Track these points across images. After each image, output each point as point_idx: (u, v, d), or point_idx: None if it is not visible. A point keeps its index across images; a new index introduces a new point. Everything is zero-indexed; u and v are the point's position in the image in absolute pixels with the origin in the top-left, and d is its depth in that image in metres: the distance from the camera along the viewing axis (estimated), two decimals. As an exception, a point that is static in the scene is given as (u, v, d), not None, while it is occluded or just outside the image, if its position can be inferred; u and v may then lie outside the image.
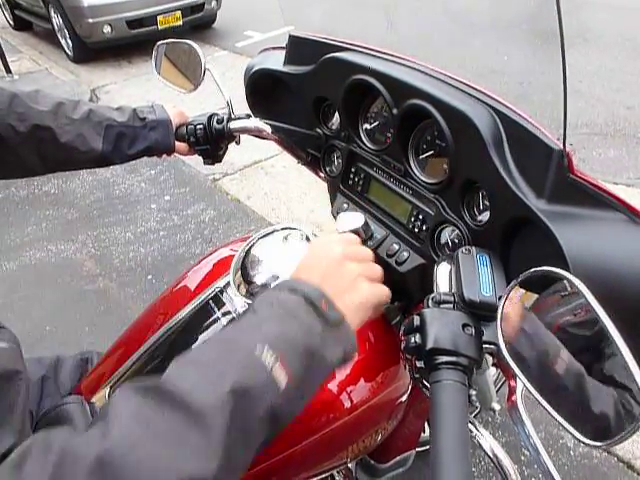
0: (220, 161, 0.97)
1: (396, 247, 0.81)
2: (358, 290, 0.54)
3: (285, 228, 0.79)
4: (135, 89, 5.12)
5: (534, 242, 0.62)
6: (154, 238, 2.85)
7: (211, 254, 0.96)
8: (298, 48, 0.91)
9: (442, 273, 0.62)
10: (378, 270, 0.59)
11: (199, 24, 6.39)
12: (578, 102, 3.83)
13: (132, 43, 5.88)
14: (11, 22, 7.46)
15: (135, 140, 0.84)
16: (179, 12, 5.77)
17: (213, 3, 6.22)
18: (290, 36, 0.92)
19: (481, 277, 0.57)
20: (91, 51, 5.78)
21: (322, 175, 0.99)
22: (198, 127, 0.90)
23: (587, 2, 5.96)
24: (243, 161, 3.53)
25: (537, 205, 0.59)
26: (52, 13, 5.81)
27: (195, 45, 0.93)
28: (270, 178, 3.43)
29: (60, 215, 3.09)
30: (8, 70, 5.12)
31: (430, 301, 0.57)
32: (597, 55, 4.75)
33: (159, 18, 5.64)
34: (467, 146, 0.67)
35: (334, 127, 0.94)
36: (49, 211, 3.13)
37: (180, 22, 5.84)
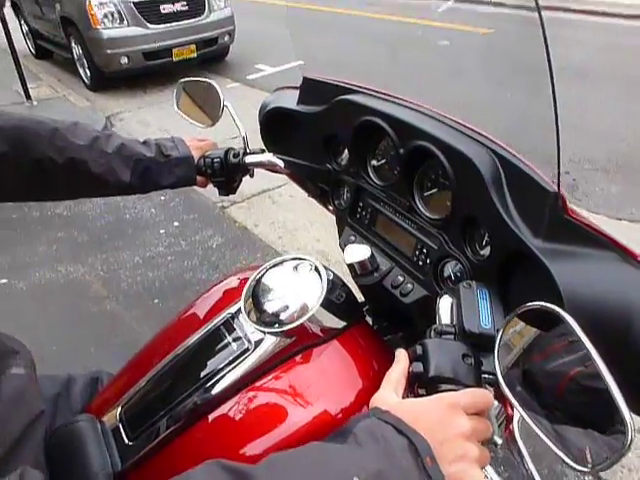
0: (234, 192, 1.02)
1: (401, 279, 0.85)
2: (466, 457, 0.50)
3: (295, 258, 0.82)
4: (148, 117, 5.27)
5: (532, 277, 0.65)
6: (162, 263, 2.89)
7: (221, 282, 1.00)
8: (311, 89, 0.97)
9: (444, 306, 0.65)
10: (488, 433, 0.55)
11: (212, 57, 6.59)
12: (580, 138, 3.90)
13: (147, 73, 6.08)
14: (33, 51, 7.75)
15: (160, 175, 0.90)
16: (193, 45, 5.98)
17: (226, 37, 6.44)
18: (304, 78, 0.98)
19: (481, 310, 0.60)
20: (107, 80, 5.97)
21: (331, 208, 1.03)
22: (215, 160, 0.95)
23: (580, 41, 6.16)
24: (251, 190, 3.60)
25: (534, 243, 0.63)
26: (73, 44, 6.03)
27: (215, 83, 0.99)
28: (277, 207, 3.49)
29: (71, 237, 3.14)
30: (28, 96, 5.28)
31: (432, 332, 0.60)
32: (597, 91, 4.87)
33: (174, 50, 5.84)
34: (469, 185, 0.71)
35: (343, 163, 0.99)
36: (60, 233, 3.19)
37: (194, 54, 6.04)
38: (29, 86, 5.34)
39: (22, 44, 7.37)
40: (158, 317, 2.46)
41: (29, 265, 2.87)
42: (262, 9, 13.15)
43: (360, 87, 0.91)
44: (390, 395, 0.54)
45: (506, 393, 0.54)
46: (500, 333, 0.57)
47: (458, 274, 0.78)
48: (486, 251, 0.74)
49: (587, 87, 4.90)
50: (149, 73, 6.11)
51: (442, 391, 0.54)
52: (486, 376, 0.58)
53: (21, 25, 7.73)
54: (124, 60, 5.64)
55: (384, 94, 0.88)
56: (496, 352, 0.56)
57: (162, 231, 3.19)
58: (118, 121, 5.18)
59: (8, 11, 6.80)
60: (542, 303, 0.52)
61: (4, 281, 2.75)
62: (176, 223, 3.26)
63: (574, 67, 5.10)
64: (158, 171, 0.89)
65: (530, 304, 0.53)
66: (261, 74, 6.62)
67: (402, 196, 0.85)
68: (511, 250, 0.66)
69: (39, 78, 6.38)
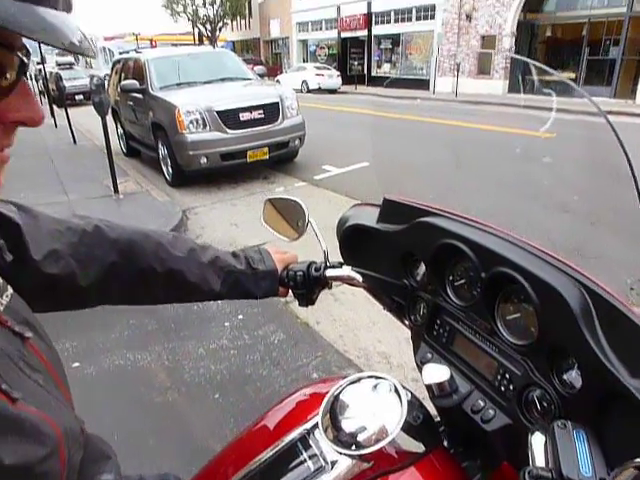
0: (313, 304, 1.06)
1: (481, 404, 0.82)
2: None
3: (372, 376, 0.83)
4: (221, 212, 5.62)
5: (631, 420, 0.62)
6: (224, 356, 2.93)
7: (293, 394, 1.01)
8: (391, 209, 1.03)
9: (537, 445, 0.63)
10: None
11: (283, 158, 7.08)
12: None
13: (222, 172, 6.59)
14: (124, 150, 8.71)
15: (248, 286, 0.96)
16: (266, 148, 6.48)
17: (297, 141, 6.94)
18: (384, 199, 1.04)
19: (579, 455, 0.58)
20: (186, 177, 6.52)
21: (407, 323, 1.04)
22: (298, 274, 1.01)
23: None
24: (314, 286, 3.66)
25: (633, 384, 0.60)
26: (160, 145, 6.71)
27: (301, 202, 1.08)
28: (339, 305, 3.51)
29: (142, 325, 3.28)
30: (116, 190, 5.84)
31: (527, 475, 0.57)
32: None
33: (249, 152, 6.35)
34: (556, 315, 0.71)
35: (420, 278, 1.01)
36: (132, 320, 3.34)
37: (267, 156, 6.53)
38: (118, 181, 5.92)
39: (116, 144, 8.28)
40: (218, 413, 2.45)
41: (101, 350, 3.00)
42: (329, 115, 14.18)
43: (439, 210, 0.96)
44: None
45: None
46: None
47: (545, 404, 0.75)
48: (576, 382, 0.71)
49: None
50: (224, 172, 6.63)
51: None
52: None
53: (117, 128, 8.77)
54: (203, 160, 6.18)
55: (463, 217, 0.92)
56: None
57: (227, 324, 3.27)
58: (193, 215, 5.56)
59: (108, 117, 7.77)
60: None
61: (76, 365, 2.87)
62: (240, 316, 3.34)
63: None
64: (246, 283, 0.96)
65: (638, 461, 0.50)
66: (327, 174, 7.00)
67: (483, 318, 0.85)
68: (606, 389, 0.64)
69: (127, 174, 7.07)
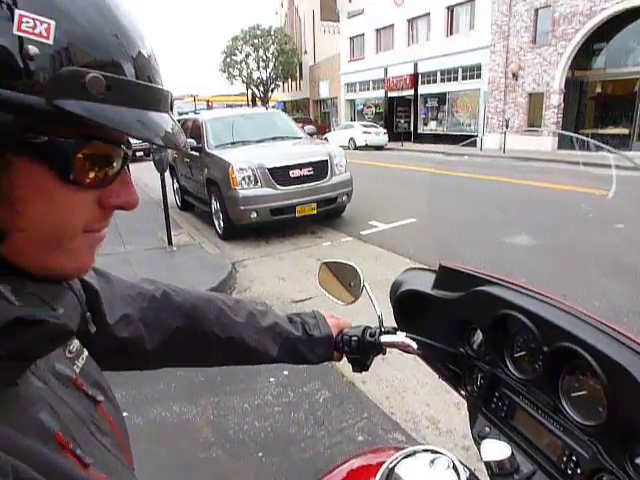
0: (367, 370, 1.05)
1: (546, 486, 0.78)
2: None
3: (428, 450, 0.80)
4: (269, 266, 5.73)
5: None
6: (269, 413, 2.90)
7: (343, 464, 0.99)
8: (447, 276, 1.03)
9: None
10: None
11: (330, 213, 7.21)
12: None
13: (272, 226, 6.77)
14: (179, 204, 9.13)
15: (303, 351, 0.98)
16: (315, 204, 6.64)
17: (344, 197, 7.07)
18: (440, 265, 1.05)
19: None
20: (237, 231, 6.73)
21: (462, 392, 1.01)
22: (353, 339, 1.01)
23: None
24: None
25: None
26: (212, 200, 7.01)
27: (356, 266, 1.10)
28: (386, 364, 3.43)
29: (189, 377, 3.31)
30: (170, 242, 6.08)
31: None
32: None
33: (297, 208, 6.52)
34: (627, 395, 0.68)
35: (477, 347, 1.00)
36: (180, 372, 3.38)
37: (315, 212, 6.67)
38: (172, 233, 6.18)
39: (171, 198, 8.71)
40: (261, 473, 2.40)
41: (149, 401, 3.04)
42: (376, 171, 14.42)
43: (497, 278, 0.95)
44: None
45: None
46: None
47: (618, 493, 0.70)
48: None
49: None
50: (273, 226, 6.80)
51: None
52: None
53: (173, 183, 9.24)
54: (254, 215, 6.38)
55: (522, 287, 0.91)
56: None
57: (272, 379, 3.25)
58: (242, 268, 5.69)
59: (166, 172, 8.23)
60: None
61: (125, 414, 2.90)
62: (286, 372, 3.32)
63: None
64: (302, 349, 0.98)
65: None
66: (374, 230, 7.04)
67: (545, 394, 0.82)
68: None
69: (180, 227, 7.37)
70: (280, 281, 5.23)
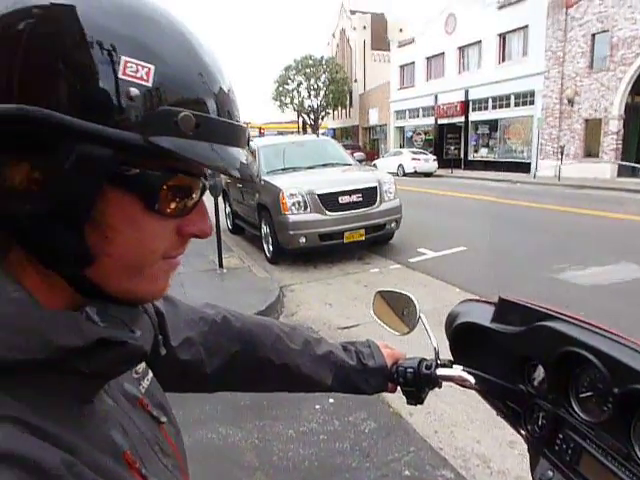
0: (422, 403, 1.02)
1: (618, 540, 0.73)
2: None
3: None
4: (316, 291, 5.74)
5: None
6: (314, 441, 2.87)
7: None
8: (507, 309, 1.00)
9: None
10: None
11: (379, 240, 7.18)
12: None
13: (320, 251, 6.81)
14: (230, 227, 9.39)
15: (357, 382, 0.97)
16: (363, 230, 6.64)
17: (393, 224, 7.04)
18: (500, 298, 1.02)
19: None
20: (285, 255, 6.81)
21: (522, 432, 0.97)
22: (409, 371, 0.99)
23: None
24: (408, 374, 3.53)
25: None
26: (263, 224, 7.15)
27: (412, 296, 1.08)
28: (434, 397, 3.30)
29: (235, 399, 3.33)
30: (221, 265, 6.23)
31: None
32: None
33: (346, 234, 6.54)
34: None
35: (538, 385, 0.95)
36: (226, 394, 3.41)
37: (363, 238, 6.67)
38: (223, 256, 6.33)
39: (223, 222, 8.95)
40: (305, 503, 2.37)
41: (195, 422, 3.07)
42: (425, 198, 14.30)
43: (560, 313, 0.91)
44: None
45: None
46: None
47: None
48: None
49: None
50: (321, 252, 6.85)
51: None
52: None
53: (225, 207, 9.51)
54: (302, 240, 6.45)
55: (587, 323, 0.87)
56: None
57: (317, 406, 3.22)
58: (289, 292, 5.73)
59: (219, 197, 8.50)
60: None
61: (173, 434, 2.96)
62: (331, 400, 3.28)
63: None
64: (356, 378, 0.97)
65: None
66: (423, 257, 6.94)
67: (616, 439, 0.77)
68: None
69: (231, 250, 7.53)
70: (327, 307, 5.22)
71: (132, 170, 0.40)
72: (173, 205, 0.44)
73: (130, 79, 0.38)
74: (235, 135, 0.46)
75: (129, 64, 0.38)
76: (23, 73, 0.36)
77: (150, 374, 0.62)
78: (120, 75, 0.38)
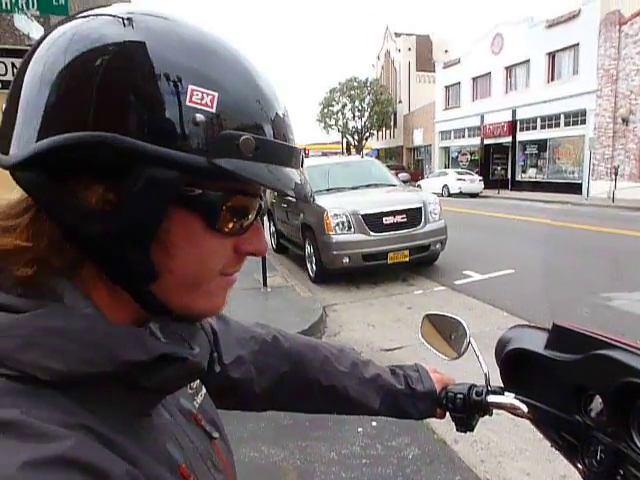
0: (472, 430, 1.00)
1: None
2: None
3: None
4: (359, 312, 5.71)
5: None
6: (356, 465, 2.82)
7: None
8: (561, 336, 0.97)
9: None
10: None
11: (423, 261, 7.09)
12: None
13: (363, 272, 6.79)
14: (274, 246, 9.52)
15: (405, 406, 0.96)
16: (407, 251, 6.59)
17: (438, 245, 6.94)
18: (554, 325, 0.99)
19: None
20: (328, 275, 6.83)
21: (579, 466, 0.93)
22: (458, 396, 0.97)
23: None
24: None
25: None
26: (306, 244, 7.21)
27: (462, 321, 1.07)
28: (480, 424, 3.20)
29: (277, 418, 3.34)
30: (265, 283, 6.31)
31: None
32: None
33: (389, 254, 6.50)
34: None
35: (596, 416, 0.92)
36: (268, 413, 3.42)
37: (407, 259, 6.60)
38: (267, 275, 6.41)
39: (267, 240, 9.09)
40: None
41: (238, 440, 3.09)
42: (471, 219, 14.04)
43: (619, 342, 0.88)
44: None
45: None
46: None
47: None
48: None
49: None
50: (364, 272, 6.82)
51: None
52: None
53: (270, 226, 9.67)
54: (346, 260, 6.46)
55: (649, 354, 0.83)
56: None
57: (360, 429, 3.18)
58: (332, 312, 5.72)
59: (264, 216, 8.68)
60: None
61: (216, 451, 2.99)
62: (374, 423, 3.23)
63: None
64: (404, 402, 0.95)
65: None
66: (468, 280, 6.79)
67: (683, 478, 0.73)
68: None
69: (275, 269, 7.62)
70: (370, 328, 5.18)
71: (195, 191, 0.43)
72: (231, 224, 0.47)
73: (196, 106, 0.41)
74: (290, 157, 0.48)
75: (195, 92, 0.41)
76: (98, 104, 0.40)
77: (204, 390, 0.64)
78: (187, 102, 0.41)
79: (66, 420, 0.38)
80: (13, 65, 3.91)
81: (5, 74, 3.91)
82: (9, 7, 3.92)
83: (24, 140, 0.42)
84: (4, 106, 0.45)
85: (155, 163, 0.40)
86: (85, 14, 0.44)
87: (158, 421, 0.50)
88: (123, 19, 0.42)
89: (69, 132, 0.39)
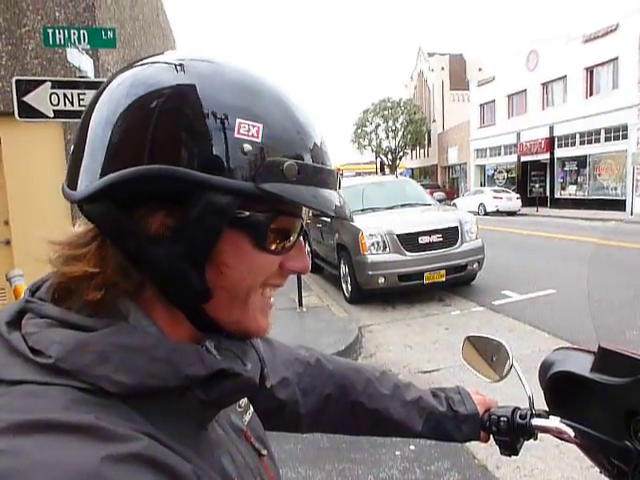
0: (517, 454, 0.99)
1: None
2: None
3: None
4: (395, 332, 5.65)
5: None
6: (394, 489, 2.78)
7: None
8: (608, 359, 0.95)
9: None
10: None
11: (460, 281, 6.97)
12: None
13: (398, 292, 6.73)
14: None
15: (448, 429, 0.95)
16: (444, 271, 6.50)
17: (475, 265, 6.83)
18: (600, 347, 0.98)
19: None
20: (364, 295, 6.80)
21: (631, 494, 0.90)
22: (502, 419, 0.97)
23: None
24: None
25: None
26: (341, 264, 7.22)
27: (505, 343, 1.06)
28: (525, 450, 3.09)
29: (315, 440, 3.33)
30: (300, 303, 6.34)
31: None
32: None
33: (425, 274, 6.43)
34: None
35: (647, 443, 0.89)
36: (306, 434, 3.42)
37: (443, 279, 6.51)
38: (302, 295, 6.44)
39: (303, 261, 9.15)
40: None
41: (276, 461, 3.10)
42: (508, 238, 13.74)
43: (669, 366, 0.86)
44: None
45: None
46: None
47: None
48: None
49: None
50: (400, 292, 6.76)
51: None
52: None
53: (305, 246, 9.72)
54: (381, 280, 6.43)
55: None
56: None
57: (398, 453, 3.13)
58: (368, 332, 5.69)
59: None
60: None
61: (254, 471, 3.00)
62: (412, 447, 3.18)
63: None
64: (447, 425, 0.95)
65: None
66: (507, 300, 6.63)
67: None
68: None
69: (310, 289, 7.65)
70: (407, 349, 5.11)
71: (244, 213, 0.47)
72: (277, 242, 0.50)
73: (243, 137, 0.46)
74: (328, 179, 0.52)
75: (242, 125, 0.46)
76: (153, 141, 0.45)
77: (251, 409, 0.67)
78: (235, 134, 0.46)
79: (134, 428, 0.41)
80: (65, 96, 4.15)
81: (57, 104, 4.15)
82: (62, 42, 4.18)
83: (90, 177, 0.47)
84: (71, 148, 0.51)
85: (210, 190, 0.45)
86: (143, 62, 0.50)
87: (213, 435, 0.52)
88: (175, 65, 0.48)
89: (129, 167, 0.44)
